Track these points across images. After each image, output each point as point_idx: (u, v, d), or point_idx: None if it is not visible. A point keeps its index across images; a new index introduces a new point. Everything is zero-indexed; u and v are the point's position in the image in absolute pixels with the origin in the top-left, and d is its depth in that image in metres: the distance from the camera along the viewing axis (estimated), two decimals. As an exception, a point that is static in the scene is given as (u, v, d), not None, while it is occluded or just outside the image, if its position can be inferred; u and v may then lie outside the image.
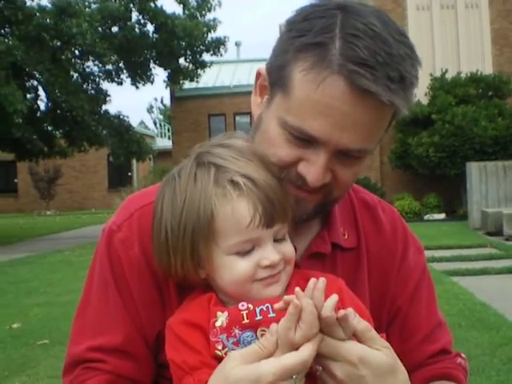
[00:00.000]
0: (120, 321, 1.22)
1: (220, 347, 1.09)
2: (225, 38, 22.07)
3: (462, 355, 1.41)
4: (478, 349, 5.44)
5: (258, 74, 1.23)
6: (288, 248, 1.15)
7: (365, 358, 1.04)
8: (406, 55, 1.10)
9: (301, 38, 1.10)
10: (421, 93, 19.97)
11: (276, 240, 1.13)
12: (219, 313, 1.12)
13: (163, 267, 1.18)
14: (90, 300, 1.26)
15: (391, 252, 1.37)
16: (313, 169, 1.13)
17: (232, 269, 1.11)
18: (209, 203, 1.10)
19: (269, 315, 1.09)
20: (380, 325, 1.28)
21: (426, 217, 18.93)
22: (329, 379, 1.06)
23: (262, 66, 1.22)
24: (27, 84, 20.38)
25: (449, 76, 19.67)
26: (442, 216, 18.88)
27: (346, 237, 1.32)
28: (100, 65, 21.40)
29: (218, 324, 1.10)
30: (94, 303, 1.26)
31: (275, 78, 1.16)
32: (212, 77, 26.30)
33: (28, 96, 19.96)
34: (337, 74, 1.06)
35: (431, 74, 20.08)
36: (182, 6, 21.13)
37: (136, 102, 78.72)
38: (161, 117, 63.40)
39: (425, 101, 19.71)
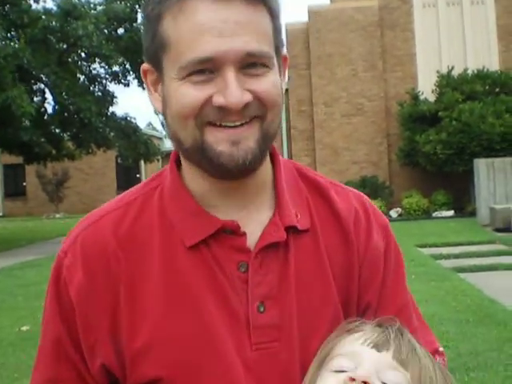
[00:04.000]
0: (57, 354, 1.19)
1: None
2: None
3: (440, 350, 1.28)
4: (485, 344, 5.44)
5: (144, 72, 1.20)
6: None
7: None
8: None
9: (149, 5, 1.12)
10: (427, 90, 19.96)
11: None
12: None
13: None
14: (43, 331, 1.24)
15: (349, 236, 1.23)
16: (227, 91, 1.05)
17: None
18: None
19: None
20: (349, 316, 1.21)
21: (434, 214, 18.90)
22: None
23: (143, 67, 1.20)
24: (34, 87, 20.45)
25: (455, 73, 19.63)
26: (451, 213, 18.84)
27: (299, 217, 1.20)
28: (106, 66, 21.44)
29: None
30: (43, 336, 1.24)
31: (154, 52, 1.13)
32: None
33: (35, 99, 20.03)
34: None
35: (438, 71, 20.07)
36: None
37: (143, 103, 78.79)
38: (168, 118, 63.60)
39: (432, 98, 19.69)
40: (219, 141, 1.08)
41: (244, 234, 1.15)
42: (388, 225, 1.31)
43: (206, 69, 1.06)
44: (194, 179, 1.19)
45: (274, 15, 1.12)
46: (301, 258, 1.19)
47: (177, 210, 1.17)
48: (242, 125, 1.09)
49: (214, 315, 1.12)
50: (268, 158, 1.22)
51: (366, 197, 1.33)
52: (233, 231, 1.15)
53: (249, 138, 1.09)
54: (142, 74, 1.21)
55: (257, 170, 1.16)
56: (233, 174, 1.11)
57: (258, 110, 1.09)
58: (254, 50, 1.06)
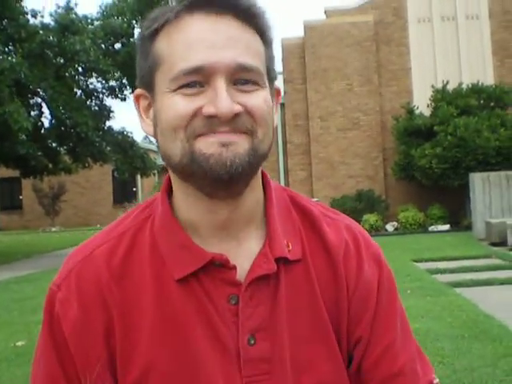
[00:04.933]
0: None
1: None
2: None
3: (435, 382, 1.25)
4: (480, 360, 5.44)
5: (136, 98, 1.19)
6: None
7: None
8: None
9: (145, 25, 1.14)
10: (423, 104, 20.04)
11: None
12: None
13: None
14: (38, 365, 1.22)
15: (338, 269, 1.21)
16: (217, 99, 1.04)
17: None
18: None
19: None
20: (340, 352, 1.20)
21: (430, 228, 18.91)
22: None
23: (136, 92, 1.20)
24: (31, 101, 20.47)
25: (450, 87, 19.72)
26: (447, 227, 18.86)
27: (290, 247, 1.18)
28: (103, 81, 21.49)
29: None
30: (34, 373, 1.22)
31: (147, 71, 1.13)
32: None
33: (32, 113, 20.06)
34: (186, 11, 1.09)
35: (433, 86, 20.14)
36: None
37: (140, 117, 78.79)
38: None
39: (427, 112, 19.77)
40: (209, 145, 1.06)
41: (234, 267, 1.14)
42: (381, 255, 1.28)
43: (197, 82, 1.06)
44: (183, 208, 1.17)
45: (266, 43, 1.13)
46: (292, 289, 1.17)
47: (166, 241, 1.16)
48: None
49: (203, 349, 1.12)
50: (260, 186, 1.21)
51: (358, 227, 1.30)
52: (222, 264, 1.13)
53: (239, 144, 1.07)
54: (134, 101, 1.20)
55: (247, 186, 1.14)
56: (222, 180, 1.07)
57: (248, 124, 1.08)
58: (245, 62, 1.06)
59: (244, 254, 1.17)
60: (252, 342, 1.13)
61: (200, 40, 1.06)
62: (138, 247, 1.18)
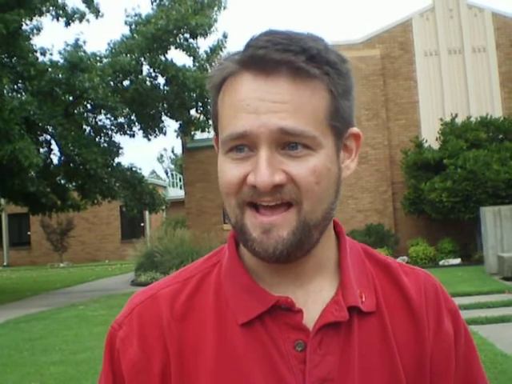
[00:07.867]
0: None
1: None
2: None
3: None
4: (502, 404, 5.33)
5: (215, 141, 1.18)
6: None
7: None
8: (309, 37, 1.06)
9: (211, 76, 1.13)
10: (431, 138, 20.05)
11: None
12: None
13: None
14: None
15: (420, 321, 1.17)
16: (257, 170, 1.02)
17: None
18: None
19: None
20: None
21: (441, 262, 18.79)
22: None
23: (214, 136, 1.20)
24: (40, 138, 20.59)
25: (459, 120, 19.75)
26: (458, 261, 18.74)
27: (364, 299, 1.14)
28: (112, 118, 21.61)
29: None
30: None
31: (214, 120, 1.14)
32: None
33: (41, 150, 20.15)
34: (241, 67, 1.06)
35: (441, 119, 20.20)
36: (191, 58, 21.41)
37: (146, 150, 79.47)
38: (172, 166, 63.64)
39: (436, 146, 19.77)
40: (254, 227, 1.06)
41: (300, 310, 1.10)
42: (458, 309, 1.25)
43: (245, 146, 1.05)
44: (247, 255, 1.15)
45: (335, 93, 1.07)
46: (365, 341, 1.12)
47: (231, 285, 1.14)
48: (277, 206, 1.05)
49: None
50: (330, 238, 1.18)
51: (436, 279, 1.27)
52: (288, 308, 1.10)
53: (282, 226, 1.04)
54: (214, 144, 1.19)
55: (305, 253, 1.10)
56: (267, 261, 1.08)
57: (293, 194, 1.04)
58: (288, 126, 1.01)
59: (314, 300, 1.14)
60: None
61: (244, 106, 1.04)
62: (203, 291, 1.17)
